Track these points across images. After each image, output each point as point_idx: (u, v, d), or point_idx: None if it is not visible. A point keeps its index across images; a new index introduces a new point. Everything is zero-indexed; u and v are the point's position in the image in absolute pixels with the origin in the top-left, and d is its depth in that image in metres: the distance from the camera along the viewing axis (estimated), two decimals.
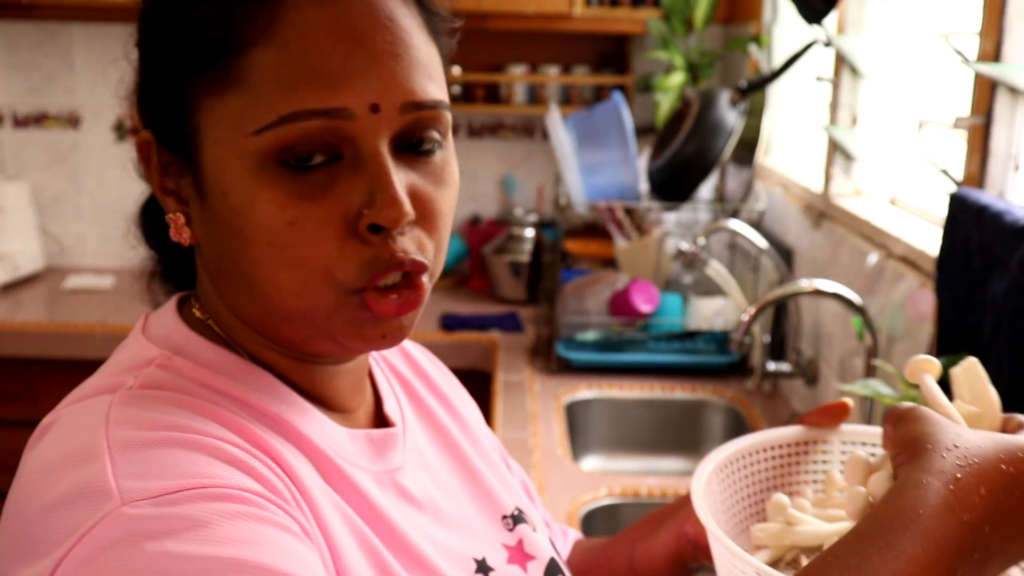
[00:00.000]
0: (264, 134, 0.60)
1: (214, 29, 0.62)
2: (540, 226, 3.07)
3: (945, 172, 1.51)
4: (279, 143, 0.60)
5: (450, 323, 2.76)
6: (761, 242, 2.22)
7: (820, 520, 0.77)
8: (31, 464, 0.61)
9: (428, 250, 0.65)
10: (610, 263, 2.77)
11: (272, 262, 0.62)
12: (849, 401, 0.83)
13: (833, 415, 0.83)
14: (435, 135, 0.65)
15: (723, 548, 0.67)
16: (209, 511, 0.55)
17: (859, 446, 0.83)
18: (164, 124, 0.66)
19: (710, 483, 0.76)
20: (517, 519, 0.82)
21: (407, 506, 0.71)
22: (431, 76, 0.64)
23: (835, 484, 0.81)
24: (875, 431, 0.84)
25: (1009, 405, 1.21)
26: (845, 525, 0.75)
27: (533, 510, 0.87)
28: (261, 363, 0.70)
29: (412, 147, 0.65)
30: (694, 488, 0.73)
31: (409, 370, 0.87)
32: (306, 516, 0.62)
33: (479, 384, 2.56)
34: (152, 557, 0.52)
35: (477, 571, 0.74)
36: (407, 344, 0.89)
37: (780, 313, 2.25)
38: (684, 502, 0.90)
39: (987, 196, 1.34)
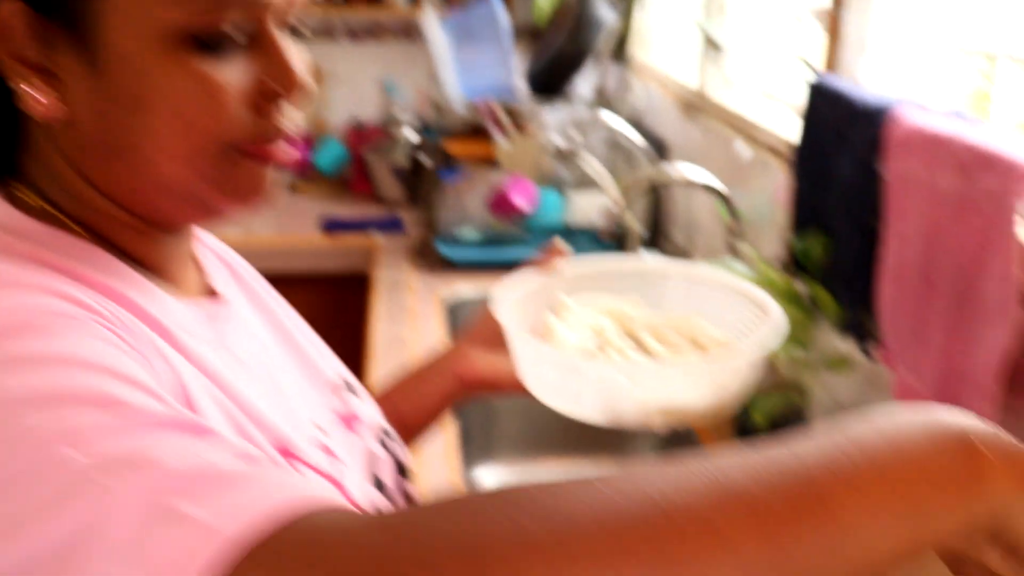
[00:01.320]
0: (184, 5, 0.61)
1: None
2: (422, 129, 3.05)
3: (806, 62, 1.54)
4: (198, 17, 0.61)
5: (331, 226, 2.73)
6: (636, 137, 2.25)
7: (568, 332, 0.95)
8: None
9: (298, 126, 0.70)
10: (492, 163, 2.77)
11: (171, 130, 0.63)
12: (560, 242, 0.98)
13: (554, 254, 0.97)
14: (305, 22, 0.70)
15: (529, 345, 0.83)
16: (47, 320, 0.55)
17: (579, 275, 1.00)
18: None
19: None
20: (343, 387, 0.87)
21: (245, 374, 0.72)
22: None
23: (564, 306, 0.99)
24: (585, 262, 1.01)
25: (855, 280, 1.27)
26: (587, 335, 0.92)
27: (356, 380, 0.91)
28: (102, 240, 0.69)
29: (290, 29, 0.68)
30: (500, 310, 0.86)
31: (226, 256, 0.88)
32: (155, 358, 0.62)
33: (361, 286, 2.56)
34: None
35: (315, 433, 0.76)
36: (216, 243, 0.89)
37: (657, 207, 2.29)
38: (441, 361, 1.03)
39: (841, 81, 1.38)
